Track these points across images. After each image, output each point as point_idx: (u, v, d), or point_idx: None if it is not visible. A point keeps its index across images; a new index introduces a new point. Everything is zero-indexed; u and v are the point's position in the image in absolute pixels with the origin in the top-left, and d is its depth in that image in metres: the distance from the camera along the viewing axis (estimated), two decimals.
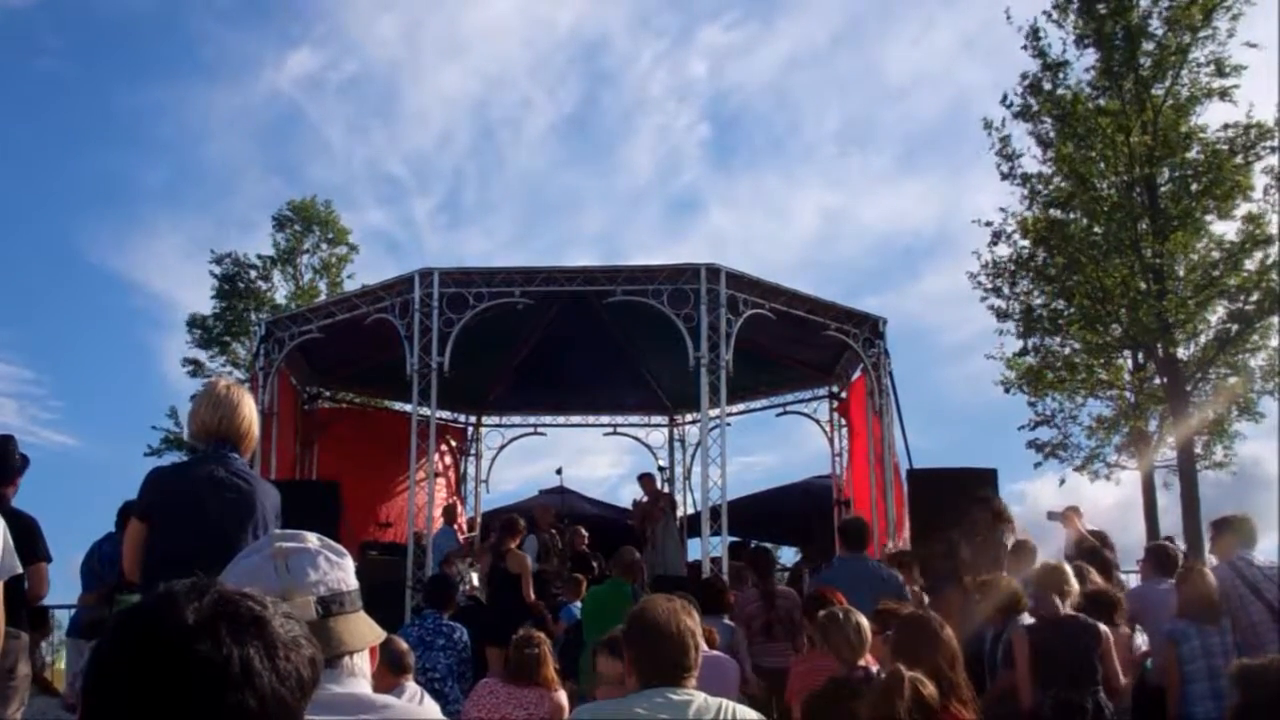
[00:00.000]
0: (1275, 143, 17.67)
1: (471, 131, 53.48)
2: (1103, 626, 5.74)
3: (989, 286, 19.42)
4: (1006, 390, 20.00)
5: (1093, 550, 7.90)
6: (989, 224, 19.28)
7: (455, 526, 13.63)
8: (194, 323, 27.80)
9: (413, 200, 50.95)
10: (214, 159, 44.85)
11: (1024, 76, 19.06)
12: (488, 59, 51.05)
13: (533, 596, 9.53)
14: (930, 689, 3.77)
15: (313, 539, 1.92)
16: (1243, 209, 18.07)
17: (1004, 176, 19.28)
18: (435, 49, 51.09)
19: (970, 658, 5.02)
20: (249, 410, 4.24)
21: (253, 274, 28.32)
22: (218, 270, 28.23)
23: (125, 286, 45.67)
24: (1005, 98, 19.04)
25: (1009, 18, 18.97)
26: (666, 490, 15.41)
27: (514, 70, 50.02)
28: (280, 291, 28.30)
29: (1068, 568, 5.90)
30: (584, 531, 12.98)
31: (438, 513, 12.98)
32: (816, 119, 53.02)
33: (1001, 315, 19.49)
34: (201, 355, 27.61)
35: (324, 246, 29.03)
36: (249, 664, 1.10)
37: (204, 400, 4.19)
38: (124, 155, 46.54)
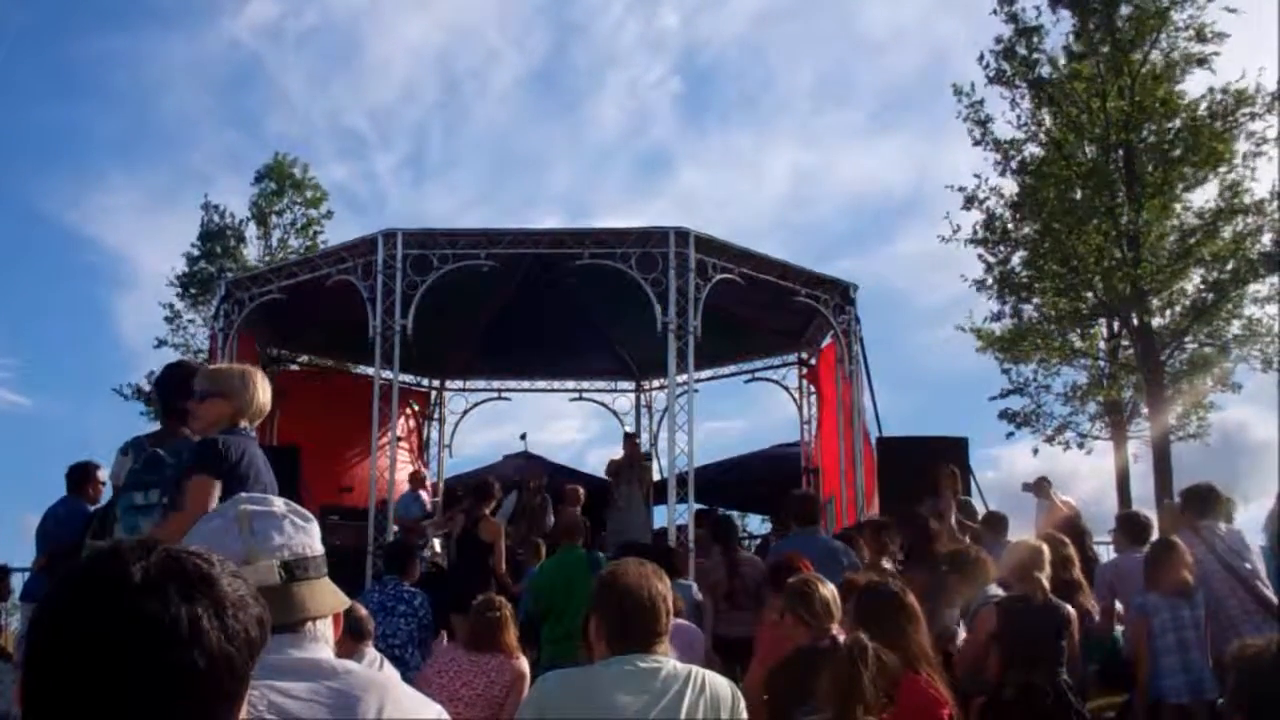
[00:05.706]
0: (1256, 109, 17.68)
1: (436, 84, 52.87)
2: (1070, 609, 5.73)
3: (973, 239, 19.35)
4: (981, 351, 20.06)
5: (1067, 521, 7.90)
6: (962, 189, 19.31)
7: (423, 490, 13.50)
8: (182, 277, 27.38)
9: (375, 155, 50.28)
10: (170, 111, 44.01)
11: (998, 40, 18.91)
12: (453, 8, 50.37)
13: (504, 569, 9.32)
14: (893, 657, 3.75)
15: (279, 503, 1.92)
16: (1222, 176, 18.07)
17: (976, 143, 19.27)
18: None
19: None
20: None
21: (227, 234, 27.91)
22: (204, 218, 27.87)
23: (80, 242, 44.89)
24: (982, 58, 18.90)
25: None
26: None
27: (480, 20, 49.41)
28: (253, 249, 27.92)
29: (1045, 549, 5.87)
30: (581, 492, 12.18)
31: (400, 476, 12.82)
32: (790, 74, 52.81)
33: (979, 285, 19.53)
34: (180, 304, 27.26)
35: (298, 207, 28.57)
36: (197, 622, 1.10)
37: (258, 383, 4.24)
38: (78, 106, 45.76)
